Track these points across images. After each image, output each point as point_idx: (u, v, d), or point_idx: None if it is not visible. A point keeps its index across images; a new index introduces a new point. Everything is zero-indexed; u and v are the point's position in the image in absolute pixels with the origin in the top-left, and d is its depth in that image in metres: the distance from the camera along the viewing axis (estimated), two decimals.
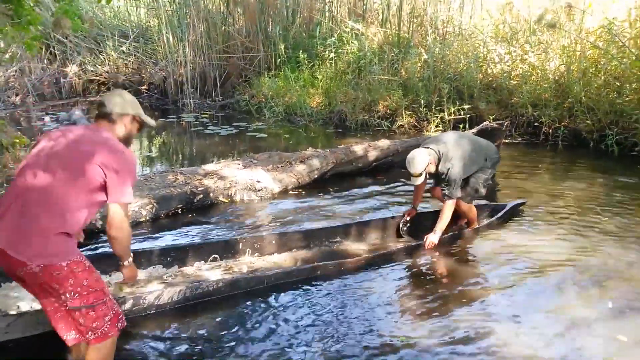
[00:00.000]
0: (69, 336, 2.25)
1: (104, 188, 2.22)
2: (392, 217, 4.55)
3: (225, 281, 3.27)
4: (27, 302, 2.89)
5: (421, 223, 4.40)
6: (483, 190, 4.30)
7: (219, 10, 12.83)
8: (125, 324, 2.37)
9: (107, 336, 2.24)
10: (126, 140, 2.44)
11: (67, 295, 2.13)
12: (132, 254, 2.49)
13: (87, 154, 2.20)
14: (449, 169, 4.01)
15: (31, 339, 2.68)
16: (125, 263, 2.46)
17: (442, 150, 4.06)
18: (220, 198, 5.17)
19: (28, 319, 2.67)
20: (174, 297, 3.07)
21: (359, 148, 6.36)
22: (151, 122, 2.55)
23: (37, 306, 2.71)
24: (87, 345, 2.28)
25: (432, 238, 3.99)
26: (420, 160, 3.96)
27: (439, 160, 4.05)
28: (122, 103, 2.41)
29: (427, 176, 4.16)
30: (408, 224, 4.43)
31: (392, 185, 5.87)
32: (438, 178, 4.24)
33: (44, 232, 2.10)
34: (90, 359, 2.26)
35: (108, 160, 2.21)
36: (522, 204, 4.82)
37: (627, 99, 7.30)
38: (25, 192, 2.14)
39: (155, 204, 4.71)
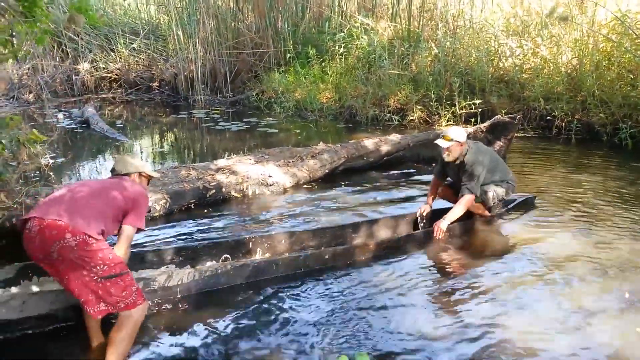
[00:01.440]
0: (98, 308, 2.45)
1: (125, 213, 2.73)
2: (403, 216, 4.53)
3: (235, 267, 3.36)
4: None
5: (439, 219, 4.38)
6: (491, 197, 4.29)
7: (228, 6, 12.87)
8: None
9: (136, 304, 2.50)
10: None
11: (98, 267, 2.43)
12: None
13: (123, 185, 2.82)
14: (474, 164, 4.10)
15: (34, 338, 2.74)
16: None
17: (473, 147, 4.22)
18: (233, 193, 5.20)
19: (42, 296, 2.78)
20: (184, 280, 3.20)
21: (369, 143, 6.36)
22: (155, 174, 3.24)
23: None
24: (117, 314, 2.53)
25: (441, 225, 4.00)
26: (459, 131, 4.13)
27: (467, 151, 4.15)
28: (126, 165, 3.01)
29: (446, 157, 4.16)
30: (424, 220, 4.40)
31: (403, 179, 5.87)
32: (459, 170, 4.24)
33: (90, 216, 2.54)
34: (122, 324, 2.48)
35: (136, 194, 2.80)
36: (532, 198, 4.81)
37: None
38: (83, 192, 2.64)
39: (168, 199, 4.75)
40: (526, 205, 4.72)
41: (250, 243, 3.91)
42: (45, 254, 2.43)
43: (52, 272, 2.51)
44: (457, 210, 4.07)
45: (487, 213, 4.41)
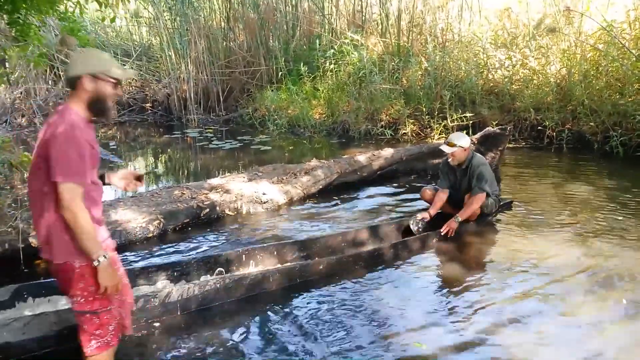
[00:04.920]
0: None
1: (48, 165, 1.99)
2: (388, 223, 4.59)
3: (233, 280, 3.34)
4: None
5: (435, 225, 4.41)
6: (490, 204, 4.45)
7: (219, 26, 12.98)
8: (131, 332, 2.36)
9: (109, 346, 2.19)
10: (98, 107, 2.14)
11: (76, 298, 2.11)
12: (103, 252, 2.06)
13: (42, 144, 2.03)
14: (480, 165, 4.32)
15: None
16: (95, 262, 2.04)
17: (477, 154, 4.48)
18: (227, 211, 5.19)
19: (44, 318, 2.70)
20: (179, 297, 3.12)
21: (363, 157, 6.39)
22: (121, 74, 2.15)
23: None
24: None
25: (452, 224, 4.20)
26: (463, 138, 4.36)
27: (472, 156, 4.39)
28: (75, 63, 2.06)
29: (451, 161, 4.41)
30: (419, 226, 4.40)
31: (397, 193, 5.88)
32: (464, 175, 4.41)
33: (49, 227, 2.05)
34: None
35: (50, 141, 1.98)
36: (510, 202, 4.98)
37: (629, 99, 7.32)
38: (30, 193, 2.14)
39: (162, 220, 4.74)
40: (506, 211, 4.90)
41: (244, 256, 3.90)
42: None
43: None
44: (470, 208, 4.26)
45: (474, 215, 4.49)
